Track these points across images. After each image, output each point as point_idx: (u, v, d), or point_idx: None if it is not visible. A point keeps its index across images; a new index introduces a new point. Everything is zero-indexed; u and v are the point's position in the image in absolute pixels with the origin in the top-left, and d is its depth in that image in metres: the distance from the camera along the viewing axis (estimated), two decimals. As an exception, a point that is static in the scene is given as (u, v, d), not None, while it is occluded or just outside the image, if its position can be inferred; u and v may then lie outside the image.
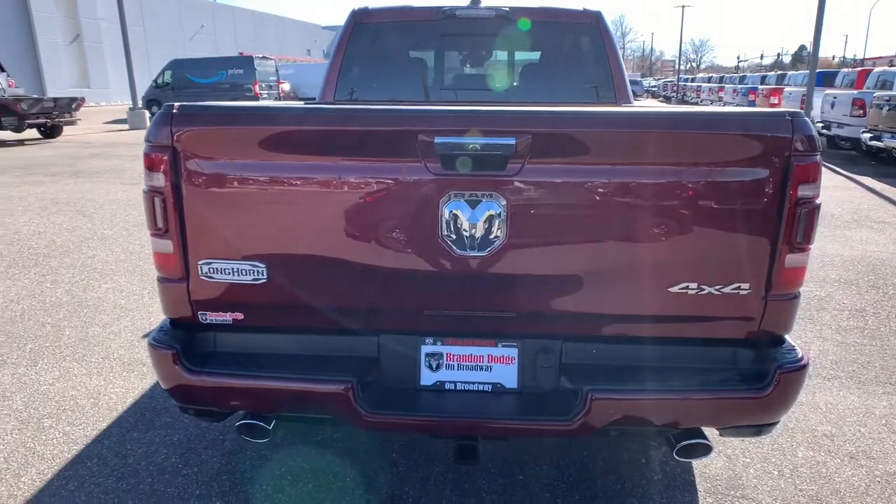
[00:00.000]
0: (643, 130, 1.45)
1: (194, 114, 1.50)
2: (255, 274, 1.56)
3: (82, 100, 15.73)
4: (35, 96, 15.88)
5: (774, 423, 1.64)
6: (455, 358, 1.65)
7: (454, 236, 1.48)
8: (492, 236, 1.47)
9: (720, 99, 26.78)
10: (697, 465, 2.23)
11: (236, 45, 47.99)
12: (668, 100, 39.95)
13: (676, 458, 1.63)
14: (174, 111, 1.49)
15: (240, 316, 1.63)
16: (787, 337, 1.68)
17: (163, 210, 1.53)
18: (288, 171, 1.50)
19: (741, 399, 1.52)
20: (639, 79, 50.35)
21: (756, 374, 1.55)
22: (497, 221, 1.46)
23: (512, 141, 1.40)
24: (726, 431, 1.69)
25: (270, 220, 1.53)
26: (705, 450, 1.61)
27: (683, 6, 52.14)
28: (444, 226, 1.47)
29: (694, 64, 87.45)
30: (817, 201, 1.50)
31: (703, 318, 1.56)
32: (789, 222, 1.47)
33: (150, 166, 1.52)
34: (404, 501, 2.03)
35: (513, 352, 1.63)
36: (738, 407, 1.54)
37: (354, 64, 3.20)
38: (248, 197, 1.51)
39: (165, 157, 1.49)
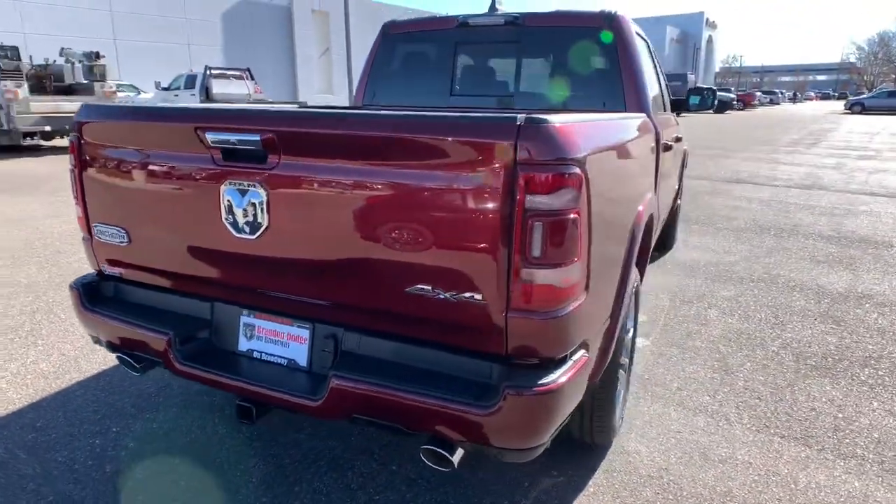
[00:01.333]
0: (369, 132, 1.49)
1: (90, 110, 1.95)
2: (121, 238, 1.96)
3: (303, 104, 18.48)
4: (272, 101, 19.11)
5: (525, 450, 1.52)
6: (263, 331, 1.85)
7: (231, 219, 1.69)
8: (257, 222, 1.66)
9: None
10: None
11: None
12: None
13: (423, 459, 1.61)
14: (81, 108, 1.96)
15: (122, 271, 2.06)
16: (573, 358, 1.55)
17: (74, 183, 2.01)
18: (130, 157, 1.86)
19: (465, 412, 1.46)
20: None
21: (491, 390, 1.47)
22: (260, 209, 1.64)
23: (257, 137, 1.56)
24: (483, 449, 1.59)
25: (123, 196, 1.91)
26: (444, 460, 1.56)
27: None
28: (224, 210, 1.70)
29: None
30: (570, 215, 1.38)
31: (446, 323, 1.53)
32: (519, 235, 1.38)
33: (70, 149, 2.01)
34: (285, 474, 2.28)
35: (305, 333, 1.78)
36: (462, 420, 1.47)
37: (381, 71, 3.49)
38: (110, 175, 1.91)
39: (73, 143, 1.97)
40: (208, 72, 17.49)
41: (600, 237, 1.64)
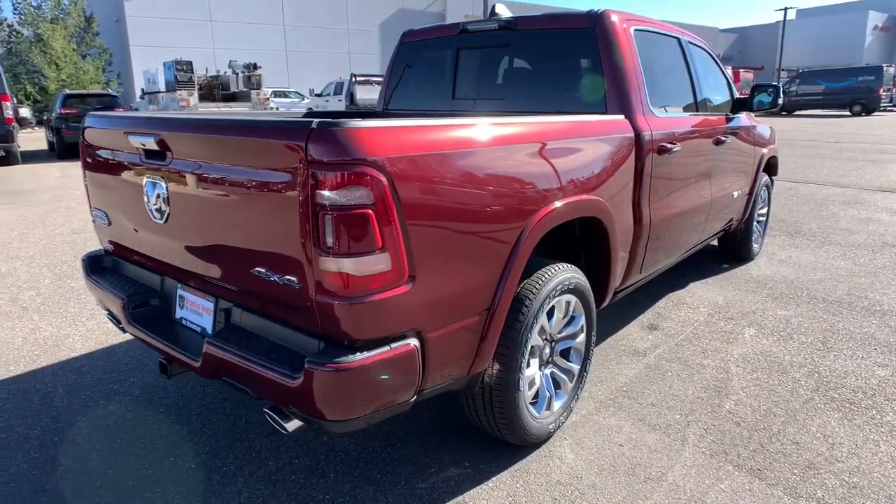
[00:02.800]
0: (207, 134, 1.72)
1: (89, 119, 2.43)
2: (104, 220, 2.42)
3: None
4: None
5: (336, 422, 1.65)
6: (189, 302, 2.18)
7: (150, 207, 2.04)
8: (163, 210, 1.98)
9: None
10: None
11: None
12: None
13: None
14: (86, 116, 2.46)
15: (111, 247, 2.53)
16: (392, 344, 1.65)
17: (83, 176, 2.53)
18: (103, 154, 2.30)
19: (281, 382, 1.63)
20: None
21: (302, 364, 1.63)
22: (163, 199, 1.96)
23: (153, 139, 1.88)
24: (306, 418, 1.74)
25: (100, 185, 2.36)
26: (279, 425, 1.75)
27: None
28: (146, 199, 2.05)
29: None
30: (361, 210, 1.51)
31: (283, 304, 1.72)
32: (313, 227, 1.53)
33: (80, 148, 2.53)
34: (234, 431, 2.63)
35: (210, 305, 2.07)
36: (281, 388, 1.64)
37: (397, 77, 3.72)
38: (94, 169, 2.37)
39: (80, 143, 2.48)
40: (353, 79, 18.99)
41: (439, 233, 1.72)
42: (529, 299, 2.18)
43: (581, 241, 2.67)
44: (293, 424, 1.76)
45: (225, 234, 1.82)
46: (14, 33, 23.91)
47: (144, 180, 2.05)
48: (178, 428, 2.60)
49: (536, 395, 2.40)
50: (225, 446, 2.46)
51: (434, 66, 3.51)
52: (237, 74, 15.46)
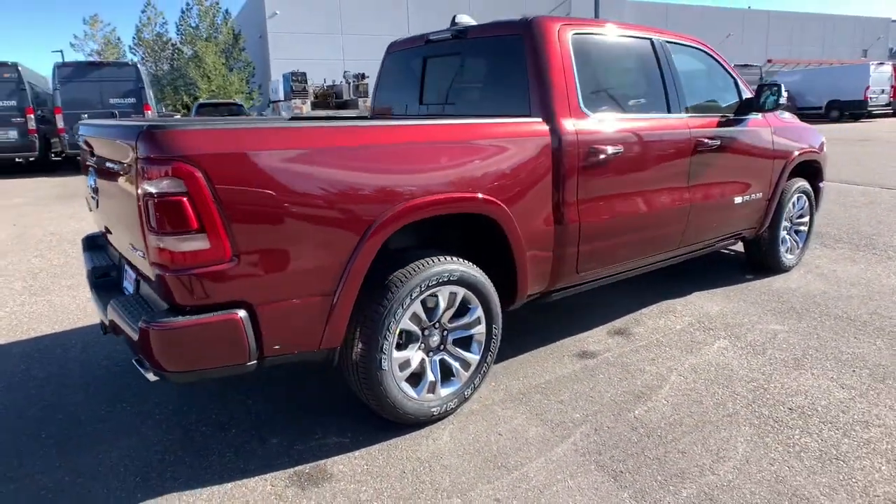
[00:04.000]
0: (93, 136, 2.14)
1: (83, 126, 3.02)
2: (92, 205, 2.99)
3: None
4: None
5: (165, 372, 1.97)
6: (127, 275, 2.66)
7: (90, 195, 2.54)
8: (95, 198, 2.47)
9: None
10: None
11: (766, 52, 45.92)
12: None
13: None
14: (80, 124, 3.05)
15: (103, 229, 3.10)
16: (217, 312, 1.96)
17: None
18: (85, 149, 2.86)
19: (131, 337, 2.01)
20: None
21: None
22: (94, 189, 2.44)
23: (83, 140, 2.35)
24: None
25: (85, 177, 2.93)
26: (143, 374, 2.11)
27: None
28: (89, 188, 2.55)
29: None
30: (175, 197, 1.84)
31: (145, 275, 2.10)
32: (144, 210, 1.89)
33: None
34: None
35: (133, 276, 2.52)
36: (133, 343, 2.01)
37: (382, 84, 4.02)
38: (82, 163, 2.95)
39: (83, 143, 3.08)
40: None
41: (267, 220, 2.00)
42: (396, 286, 2.37)
43: (487, 238, 2.78)
44: (152, 375, 2.13)
45: (119, 217, 2.26)
46: (176, 51, 27.80)
47: (89, 173, 2.56)
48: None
49: (419, 378, 2.57)
50: (161, 403, 2.92)
51: (409, 73, 3.76)
52: (349, 84, 16.69)
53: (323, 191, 2.11)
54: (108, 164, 2.22)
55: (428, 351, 2.61)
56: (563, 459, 2.37)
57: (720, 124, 3.74)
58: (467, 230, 2.77)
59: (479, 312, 2.69)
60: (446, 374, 2.68)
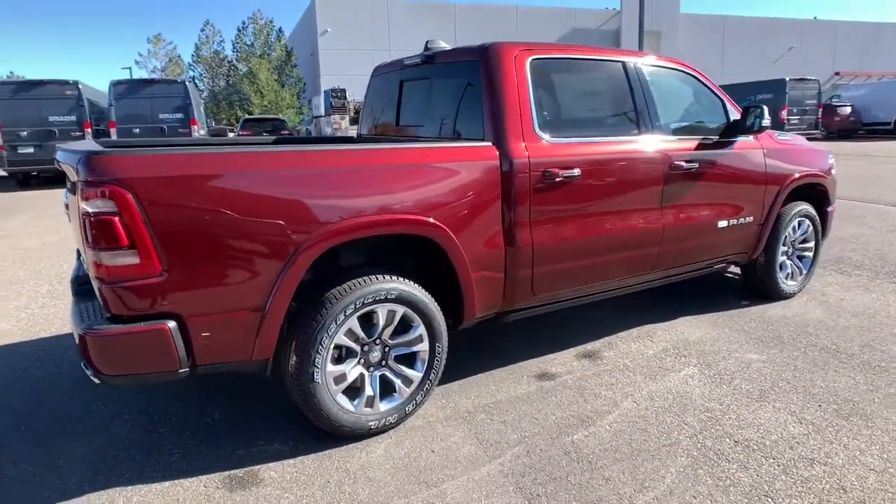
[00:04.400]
0: (62, 160, 2.35)
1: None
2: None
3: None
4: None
5: (102, 375, 2.15)
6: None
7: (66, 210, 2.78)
8: (69, 214, 2.70)
9: None
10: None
11: (833, 65, 44.01)
12: None
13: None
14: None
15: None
16: (146, 322, 2.13)
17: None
18: None
19: (76, 341, 2.20)
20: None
21: None
22: (66, 206, 2.68)
23: (56, 163, 2.59)
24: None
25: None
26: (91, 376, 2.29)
27: None
28: (64, 204, 2.79)
29: None
30: (107, 217, 2.02)
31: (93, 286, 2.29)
32: (83, 227, 2.08)
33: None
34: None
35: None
36: (77, 347, 2.21)
37: (368, 105, 4.18)
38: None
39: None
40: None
41: (194, 240, 2.16)
42: (330, 303, 2.49)
43: (435, 260, 2.84)
44: (94, 378, 2.31)
45: (76, 232, 2.47)
46: (232, 68, 29.24)
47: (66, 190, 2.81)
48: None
49: (357, 392, 2.67)
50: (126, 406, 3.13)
51: (389, 96, 3.90)
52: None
53: (249, 213, 2.25)
54: (70, 185, 2.44)
55: (368, 366, 2.71)
56: (485, 479, 2.41)
57: (700, 147, 3.69)
58: (423, 252, 2.85)
59: (422, 330, 2.76)
60: (388, 389, 2.76)
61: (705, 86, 3.93)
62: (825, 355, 3.51)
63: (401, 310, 2.68)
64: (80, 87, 12.47)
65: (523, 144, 2.93)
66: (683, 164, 3.54)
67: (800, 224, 4.50)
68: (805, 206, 4.45)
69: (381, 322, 2.66)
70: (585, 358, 3.57)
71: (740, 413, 2.88)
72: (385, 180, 2.56)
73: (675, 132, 3.65)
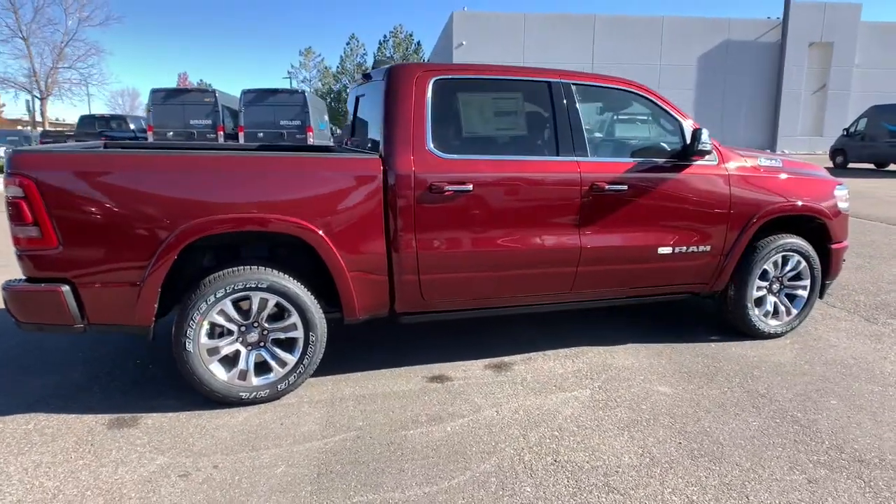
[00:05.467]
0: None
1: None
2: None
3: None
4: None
5: (23, 323, 2.81)
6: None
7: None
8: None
9: None
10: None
11: None
12: None
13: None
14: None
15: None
16: (43, 284, 2.76)
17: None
18: None
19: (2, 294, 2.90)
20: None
21: None
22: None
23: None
24: None
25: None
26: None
27: None
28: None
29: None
30: (16, 200, 2.68)
31: None
32: (6, 208, 2.76)
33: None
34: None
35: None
36: (3, 298, 2.90)
37: (349, 117, 4.63)
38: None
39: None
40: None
41: (81, 221, 2.74)
42: (204, 286, 2.96)
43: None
44: (17, 325, 2.99)
45: None
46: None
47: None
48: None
49: (233, 363, 3.11)
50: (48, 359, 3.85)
51: (351, 109, 4.32)
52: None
53: (128, 205, 2.80)
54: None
55: (247, 345, 3.14)
56: (300, 452, 2.71)
57: (635, 169, 3.61)
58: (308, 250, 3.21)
59: (296, 319, 3.13)
60: (265, 368, 3.17)
61: (658, 106, 3.82)
62: (744, 398, 3.27)
63: (273, 298, 3.08)
64: (216, 94, 14.50)
65: (412, 158, 3.18)
66: (605, 185, 3.51)
67: (785, 259, 4.12)
68: (793, 240, 4.08)
69: (255, 307, 3.08)
70: (492, 368, 3.67)
71: (590, 438, 2.86)
72: (257, 184, 2.97)
73: (606, 153, 3.63)
